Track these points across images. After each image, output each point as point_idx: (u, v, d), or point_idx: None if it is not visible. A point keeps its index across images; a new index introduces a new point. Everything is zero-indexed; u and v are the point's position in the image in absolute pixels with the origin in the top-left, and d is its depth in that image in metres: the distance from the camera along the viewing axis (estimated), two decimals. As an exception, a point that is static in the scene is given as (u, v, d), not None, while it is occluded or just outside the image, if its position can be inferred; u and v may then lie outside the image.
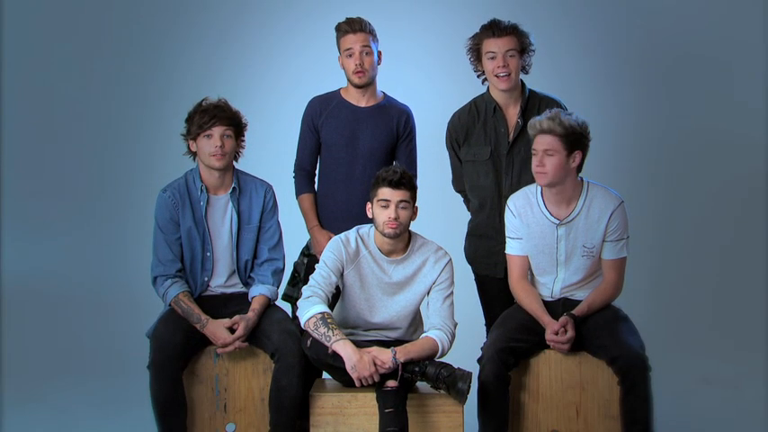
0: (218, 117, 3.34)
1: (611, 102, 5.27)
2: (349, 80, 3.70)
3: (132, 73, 5.43)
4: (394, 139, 3.75)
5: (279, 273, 3.49)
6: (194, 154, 3.43)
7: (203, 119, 3.34)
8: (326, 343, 3.09)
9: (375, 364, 3.05)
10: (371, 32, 3.66)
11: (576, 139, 3.19)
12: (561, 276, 3.33)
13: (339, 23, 3.68)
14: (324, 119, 3.72)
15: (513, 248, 3.38)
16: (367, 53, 3.63)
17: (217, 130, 3.34)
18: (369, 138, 3.70)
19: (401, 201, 3.19)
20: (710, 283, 5.20)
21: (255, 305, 3.37)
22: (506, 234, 3.39)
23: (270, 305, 3.41)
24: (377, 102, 3.75)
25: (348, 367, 3.04)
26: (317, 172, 3.83)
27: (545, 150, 3.18)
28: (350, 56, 3.63)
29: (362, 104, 3.73)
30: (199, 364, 3.31)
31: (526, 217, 3.32)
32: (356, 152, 3.70)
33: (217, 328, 3.26)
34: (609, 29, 5.31)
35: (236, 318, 3.31)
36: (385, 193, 3.19)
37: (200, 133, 3.35)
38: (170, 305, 3.34)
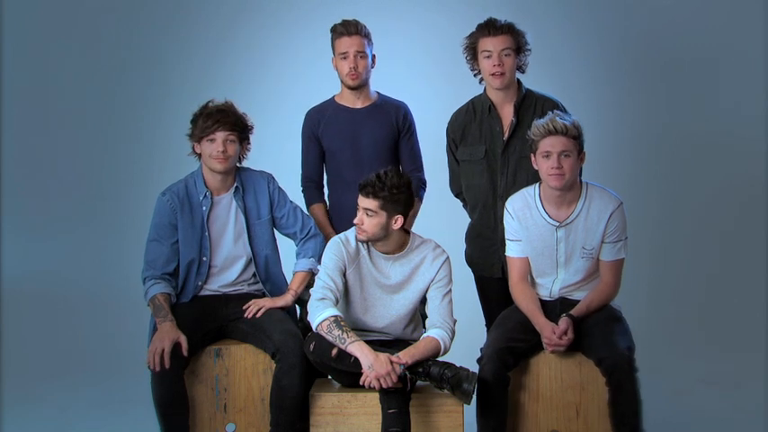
0: (222, 122, 3.34)
1: (610, 102, 5.27)
2: (342, 82, 3.71)
3: (132, 73, 5.42)
4: (396, 136, 3.76)
5: (317, 241, 3.53)
6: (198, 155, 3.44)
7: (206, 123, 3.34)
8: (341, 345, 3.09)
9: (391, 362, 3.04)
10: (367, 36, 3.67)
11: (582, 142, 3.23)
12: (561, 277, 3.33)
13: (335, 25, 3.68)
14: (323, 127, 3.73)
15: (512, 251, 3.38)
16: (361, 57, 3.64)
17: (220, 135, 3.34)
18: (371, 138, 3.71)
19: (366, 209, 3.20)
20: (710, 283, 5.19)
21: (293, 284, 3.46)
22: (506, 236, 3.39)
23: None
24: (372, 102, 3.76)
25: (365, 367, 3.03)
26: (324, 182, 3.83)
27: (562, 152, 3.18)
28: (344, 59, 3.64)
29: (358, 106, 3.74)
30: (199, 364, 3.31)
31: (525, 220, 3.32)
32: (360, 154, 3.70)
33: (167, 330, 3.19)
34: (609, 29, 5.31)
35: (251, 302, 3.39)
36: (359, 198, 3.23)
37: (204, 137, 3.35)
38: (148, 304, 3.33)
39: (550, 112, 3.26)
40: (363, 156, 3.70)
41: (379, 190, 3.17)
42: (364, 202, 3.20)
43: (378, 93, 3.80)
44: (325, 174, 3.83)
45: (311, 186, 3.81)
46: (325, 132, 3.73)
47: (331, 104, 3.78)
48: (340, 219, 3.71)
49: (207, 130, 3.34)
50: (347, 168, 3.71)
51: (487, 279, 3.69)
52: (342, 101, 3.76)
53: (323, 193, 3.83)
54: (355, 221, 3.22)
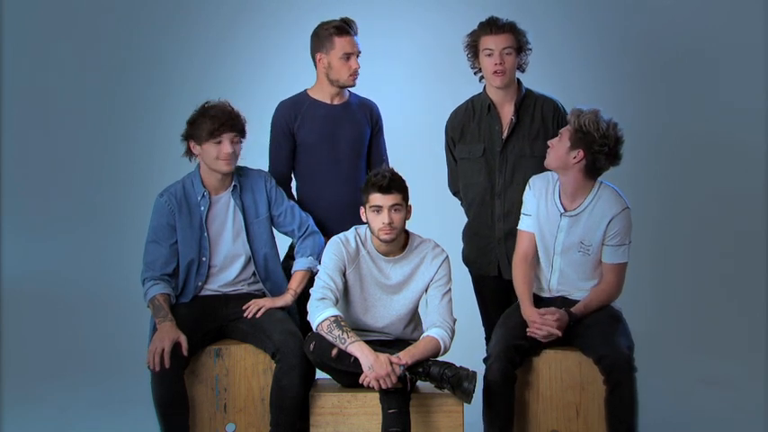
0: (227, 124, 3.34)
1: (610, 102, 5.17)
2: (336, 80, 3.63)
3: (132, 73, 5.43)
4: (369, 134, 3.75)
5: (316, 239, 3.52)
6: (192, 156, 3.43)
7: (214, 125, 3.32)
8: (341, 346, 3.09)
9: (391, 363, 3.05)
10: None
11: (580, 139, 3.21)
12: (557, 267, 3.34)
13: (336, 23, 3.61)
14: (299, 122, 3.67)
15: (524, 224, 3.40)
16: (358, 56, 3.63)
17: (227, 137, 3.34)
18: (348, 135, 3.67)
19: (393, 204, 3.19)
20: (710, 284, 5.20)
21: (293, 283, 3.45)
22: (522, 211, 3.41)
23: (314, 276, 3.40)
24: (345, 99, 3.73)
25: (365, 368, 3.03)
26: (292, 176, 3.79)
27: (560, 133, 3.26)
28: (347, 59, 3.60)
29: (336, 102, 3.70)
30: (199, 364, 3.31)
31: (539, 198, 3.35)
32: (338, 150, 3.67)
33: (167, 330, 3.18)
34: (609, 29, 5.31)
35: (251, 302, 3.39)
36: (376, 198, 3.19)
37: (210, 139, 3.35)
38: (148, 305, 3.33)
39: (594, 108, 3.26)
40: (340, 153, 3.66)
41: (399, 183, 3.20)
42: (389, 199, 3.18)
43: (348, 90, 3.76)
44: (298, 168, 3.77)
45: (281, 182, 3.71)
46: (301, 127, 3.67)
47: (305, 99, 3.71)
48: (317, 214, 3.65)
49: (215, 133, 3.33)
50: (323, 164, 3.67)
51: (484, 278, 3.69)
52: (317, 96, 3.70)
53: (291, 188, 3.78)
54: (384, 222, 3.18)
